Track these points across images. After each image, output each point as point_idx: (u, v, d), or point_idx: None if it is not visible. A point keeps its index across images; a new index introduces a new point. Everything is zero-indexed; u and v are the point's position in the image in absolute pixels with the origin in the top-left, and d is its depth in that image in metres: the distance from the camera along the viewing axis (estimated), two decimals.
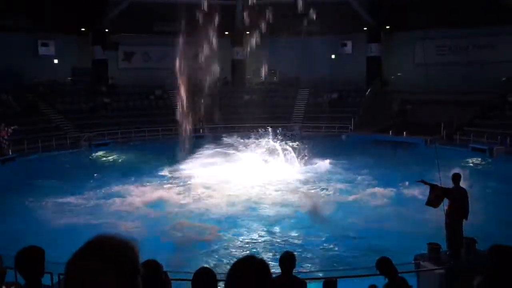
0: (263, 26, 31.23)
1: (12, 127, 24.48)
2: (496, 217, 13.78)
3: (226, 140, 25.18)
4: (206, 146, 24.65)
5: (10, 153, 24.57)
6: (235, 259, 1.89)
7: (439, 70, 34.03)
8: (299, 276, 5.80)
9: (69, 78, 36.74)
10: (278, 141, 24.33)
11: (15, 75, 32.27)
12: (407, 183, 17.55)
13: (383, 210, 15.62)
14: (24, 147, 25.69)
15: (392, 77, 37.66)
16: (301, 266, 10.42)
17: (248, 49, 33.73)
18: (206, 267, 3.84)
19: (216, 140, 26.33)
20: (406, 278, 6.20)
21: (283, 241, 13.25)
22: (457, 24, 32.53)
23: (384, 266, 5.77)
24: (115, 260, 1.34)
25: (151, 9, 34.43)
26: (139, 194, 18.10)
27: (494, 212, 14.26)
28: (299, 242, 13.13)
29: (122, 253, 1.36)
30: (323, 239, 13.23)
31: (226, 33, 37.64)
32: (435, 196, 9.26)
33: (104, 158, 27.49)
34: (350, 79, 37.06)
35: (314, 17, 31.22)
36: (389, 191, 17.68)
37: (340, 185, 19.56)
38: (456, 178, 9.14)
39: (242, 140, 24.51)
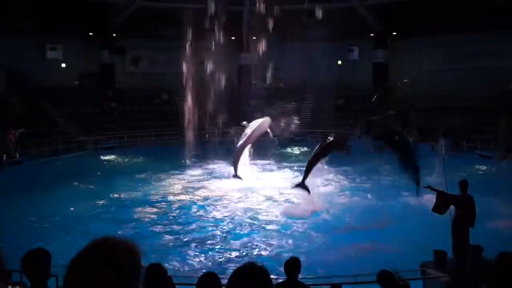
0: (269, 31, 31.21)
1: (19, 130, 24.57)
2: (504, 225, 13.63)
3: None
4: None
5: (17, 156, 24.66)
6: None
7: (446, 77, 33.92)
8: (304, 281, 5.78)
9: (76, 82, 36.93)
10: None
11: (23, 79, 32.46)
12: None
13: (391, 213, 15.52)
14: (31, 151, 25.77)
15: (399, 83, 37.53)
16: (306, 272, 10.35)
17: (255, 54, 33.69)
18: (211, 272, 3.82)
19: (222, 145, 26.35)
20: (412, 284, 6.16)
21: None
22: (464, 31, 32.37)
23: (384, 280, 5.75)
24: (117, 265, 1.26)
25: (158, 14, 34.59)
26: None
27: (502, 220, 14.10)
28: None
29: (125, 258, 1.28)
30: (326, 243, 13.15)
31: (233, 38, 37.70)
32: (442, 202, 9.21)
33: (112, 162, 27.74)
34: (356, 85, 36.94)
35: (321, 22, 31.18)
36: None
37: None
38: (463, 185, 9.09)
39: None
